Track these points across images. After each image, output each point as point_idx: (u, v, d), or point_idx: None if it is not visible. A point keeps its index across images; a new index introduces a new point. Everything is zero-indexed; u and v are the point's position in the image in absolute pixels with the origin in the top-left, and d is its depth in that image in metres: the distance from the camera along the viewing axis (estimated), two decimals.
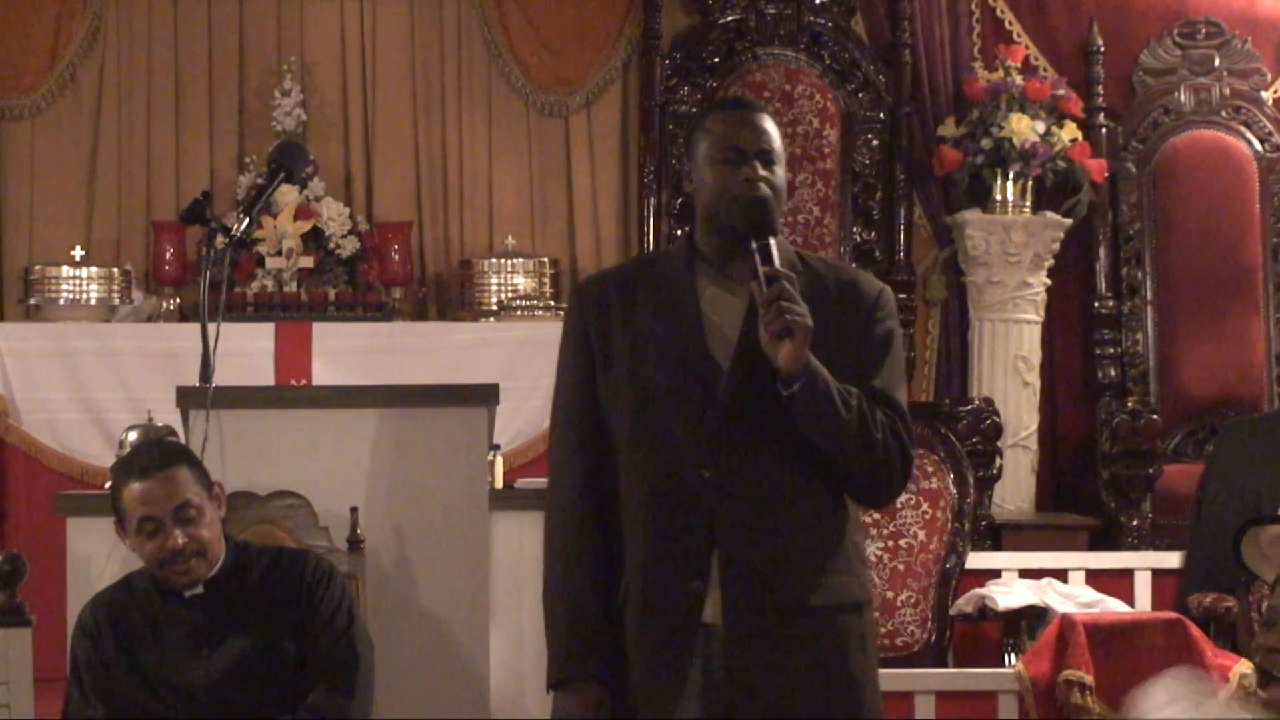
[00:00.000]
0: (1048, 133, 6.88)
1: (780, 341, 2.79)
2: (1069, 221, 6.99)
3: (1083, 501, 6.80)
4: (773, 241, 2.86)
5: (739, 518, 2.88)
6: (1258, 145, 7.22)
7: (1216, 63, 7.28)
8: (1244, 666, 4.34)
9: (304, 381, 6.23)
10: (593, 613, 2.94)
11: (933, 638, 5.19)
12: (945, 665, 5.19)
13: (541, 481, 3.82)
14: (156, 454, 3.54)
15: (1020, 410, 6.86)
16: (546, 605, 2.99)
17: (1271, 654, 2.97)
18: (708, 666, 2.90)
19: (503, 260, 6.90)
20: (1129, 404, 6.63)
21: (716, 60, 7.17)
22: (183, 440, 4.19)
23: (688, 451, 2.89)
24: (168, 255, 6.84)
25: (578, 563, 2.96)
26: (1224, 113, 7.25)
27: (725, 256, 2.94)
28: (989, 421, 6.00)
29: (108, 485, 3.64)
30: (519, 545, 4.59)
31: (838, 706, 2.92)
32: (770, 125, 2.98)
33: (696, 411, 2.89)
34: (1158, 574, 5.57)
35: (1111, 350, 7.11)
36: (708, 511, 2.88)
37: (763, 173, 2.92)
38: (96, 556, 4.22)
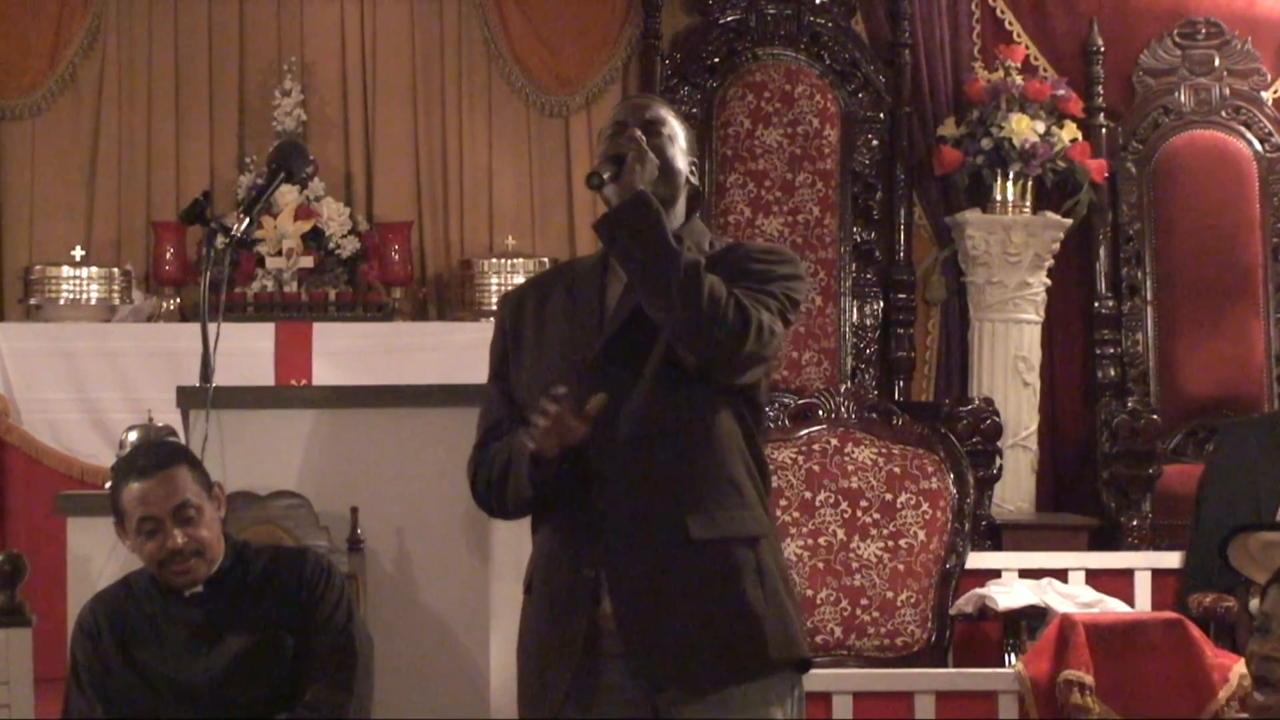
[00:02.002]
0: (1048, 133, 6.88)
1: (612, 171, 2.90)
2: (1069, 221, 6.99)
3: (1083, 501, 6.80)
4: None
5: (612, 484, 2.91)
6: (1258, 145, 7.22)
7: (1216, 63, 7.28)
8: (1243, 667, 4.34)
9: (304, 381, 6.24)
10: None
11: (933, 638, 5.19)
12: (945, 665, 5.19)
13: None
14: (156, 454, 3.54)
15: (1020, 410, 6.87)
16: (494, 475, 3.01)
17: (1266, 661, 2.96)
18: (620, 665, 2.91)
19: (503, 260, 6.90)
20: (1129, 404, 6.63)
21: (716, 60, 7.18)
22: (183, 440, 4.19)
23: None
24: (168, 255, 6.84)
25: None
26: (1224, 113, 7.25)
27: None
28: (989, 421, 6.00)
29: (108, 485, 3.64)
30: (519, 545, 4.57)
31: (737, 638, 2.91)
32: (659, 109, 3.06)
33: (580, 384, 2.92)
34: (1158, 574, 5.56)
35: (1111, 350, 7.11)
36: (594, 490, 2.91)
37: (641, 134, 2.97)
38: (96, 556, 4.22)
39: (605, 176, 2.92)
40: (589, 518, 2.93)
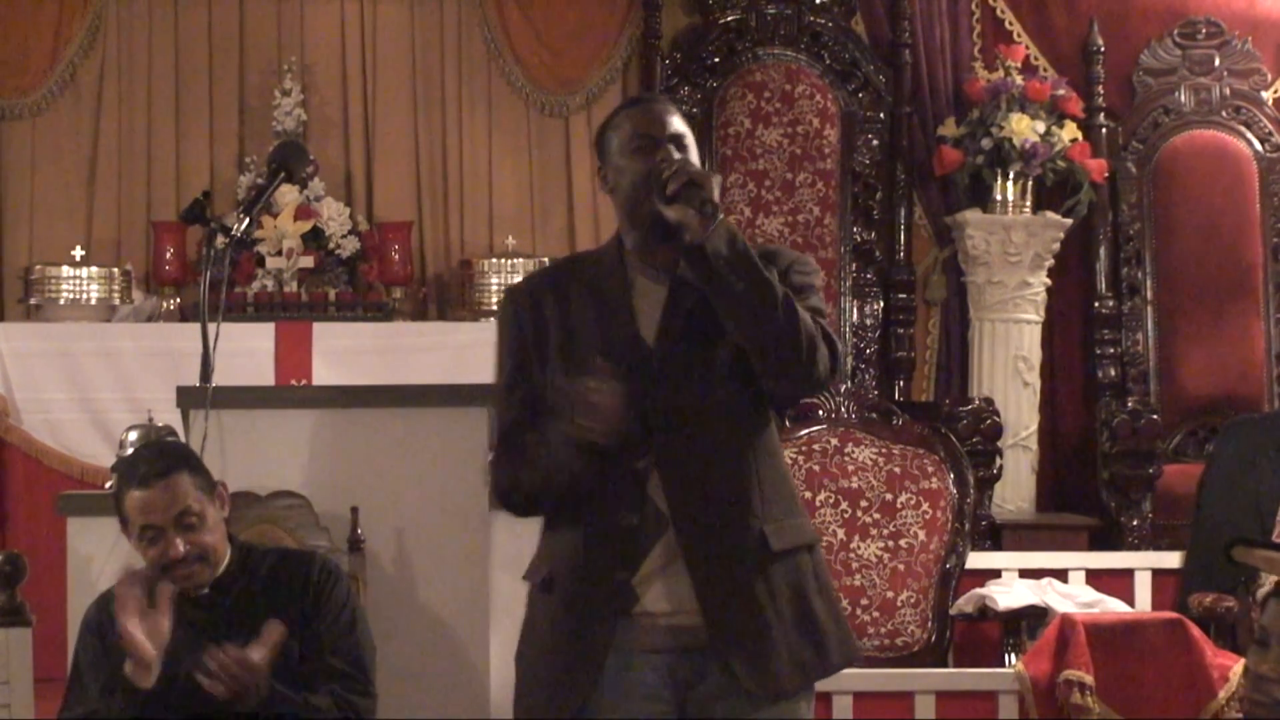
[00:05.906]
0: (1048, 133, 6.88)
1: (683, 207, 2.82)
2: (1069, 221, 6.99)
3: (1083, 501, 6.80)
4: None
5: (682, 497, 2.89)
6: (1258, 145, 7.22)
7: (1216, 63, 7.28)
8: (1242, 667, 4.34)
9: (304, 381, 6.24)
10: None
11: (933, 638, 5.19)
12: (945, 665, 5.19)
13: None
14: (156, 461, 3.50)
15: (1020, 410, 6.87)
16: (538, 473, 2.93)
17: (1262, 681, 2.88)
18: (651, 662, 2.91)
19: (503, 260, 6.90)
20: (1129, 404, 6.63)
21: (716, 60, 7.18)
22: (183, 440, 4.19)
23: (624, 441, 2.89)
24: (168, 255, 6.84)
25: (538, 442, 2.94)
26: (1224, 113, 7.25)
27: (650, 249, 2.95)
28: (989, 421, 6.00)
29: (108, 485, 3.64)
30: (519, 545, 4.57)
31: (808, 647, 2.94)
32: (678, 119, 3.00)
33: (630, 397, 2.89)
34: (1158, 574, 5.57)
35: (1111, 350, 7.11)
36: (645, 500, 2.90)
37: (678, 155, 2.94)
38: (96, 556, 4.21)
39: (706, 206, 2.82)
40: (629, 521, 2.90)
